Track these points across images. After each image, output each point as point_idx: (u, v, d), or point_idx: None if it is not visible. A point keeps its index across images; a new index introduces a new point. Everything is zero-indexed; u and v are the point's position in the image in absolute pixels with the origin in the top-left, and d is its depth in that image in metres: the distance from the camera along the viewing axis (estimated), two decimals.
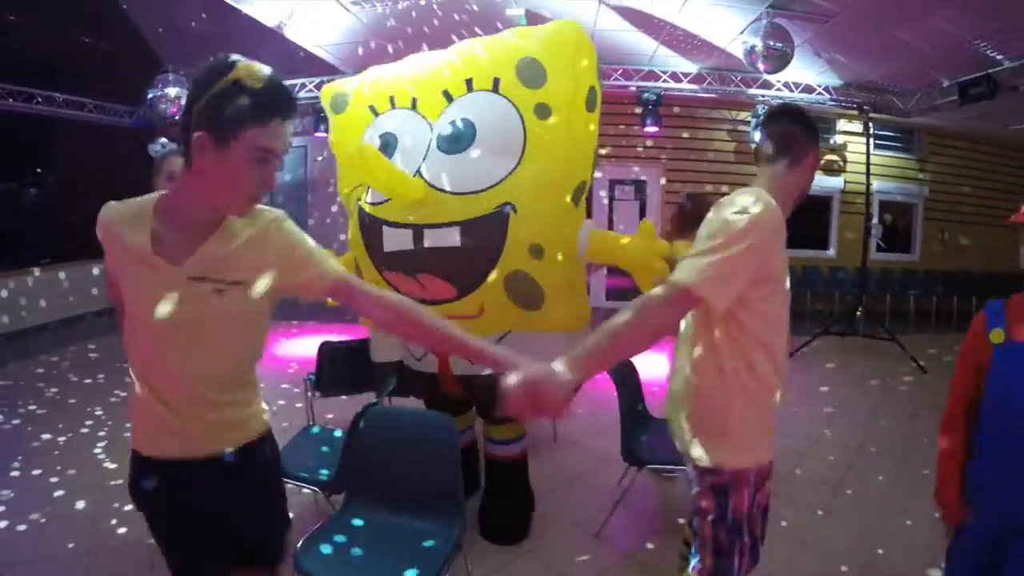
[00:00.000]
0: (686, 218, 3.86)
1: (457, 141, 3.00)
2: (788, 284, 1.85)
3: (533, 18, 6.88)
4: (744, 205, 1.71)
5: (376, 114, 3.37)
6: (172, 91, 9.09)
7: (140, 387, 1.61)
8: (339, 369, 4.32)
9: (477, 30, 7.21)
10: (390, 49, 7.93)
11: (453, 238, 2.89)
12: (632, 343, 1.62)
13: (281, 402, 5.49)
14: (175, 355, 1.55)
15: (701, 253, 1.66)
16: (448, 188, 2.92)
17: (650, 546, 3.41)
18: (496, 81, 3.08)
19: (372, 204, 3.07)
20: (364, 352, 3.95)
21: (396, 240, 2.98)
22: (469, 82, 3.14)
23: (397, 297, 1.79)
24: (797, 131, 1.99)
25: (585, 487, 4.10)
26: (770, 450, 1.96)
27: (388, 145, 3.14)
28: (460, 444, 3.00)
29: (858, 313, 8.26)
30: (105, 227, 1.60)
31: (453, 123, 3.04)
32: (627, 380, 3.78)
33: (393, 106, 3.33)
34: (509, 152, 3.00)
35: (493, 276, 2.96)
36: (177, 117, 9.48)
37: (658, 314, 1.63)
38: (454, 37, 7.20)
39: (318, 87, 9.42)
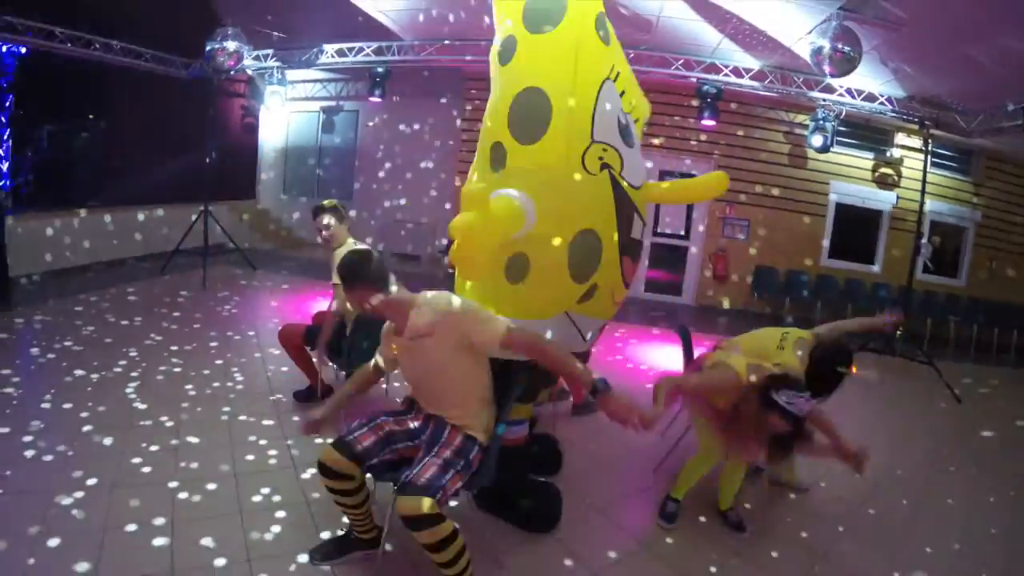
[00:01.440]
0: None
1: (624, 134, 3.33)
2: None
3: None
4: None
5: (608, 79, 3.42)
6: (231, 45, 9.11)
7: None
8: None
9: None
10: (451, 18, 7.89)
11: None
12: None
13: None
14: None
15: None
16: (632, 181, 3.42)
17: (669, 540, 3.38)
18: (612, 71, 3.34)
19: (630, 186, 3.29)
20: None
21: (639, 229, 3.48)
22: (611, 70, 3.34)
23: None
24: None
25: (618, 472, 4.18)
26: None
27: (626, 131, 3.43)
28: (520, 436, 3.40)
29: (898, 333, 8.07)
30: None
31: (620, 114, 3.35)
32: (687, 342, 4.21)
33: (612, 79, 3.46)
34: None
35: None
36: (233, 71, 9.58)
37: None
38: None
39: (376, 52, 9.40)
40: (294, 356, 4.66)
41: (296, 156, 13.08)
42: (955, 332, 10.93)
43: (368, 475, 2.69)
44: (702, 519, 3.61)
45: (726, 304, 10.76)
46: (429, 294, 2.71)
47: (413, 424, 2.80)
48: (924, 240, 8.89)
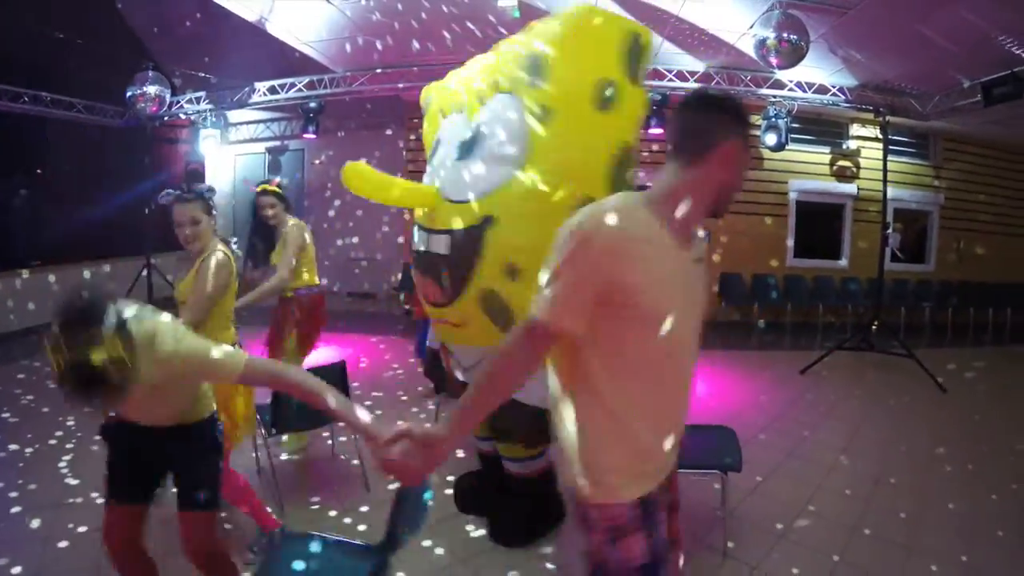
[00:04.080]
0: None
1: (467, 148, 3.00)
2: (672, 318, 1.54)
3: (526, 10, 6.53)
4: (570, 222, 1.55)
5: (443, 117, 3.40)
6: (151, 89, 8.91)
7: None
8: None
9: (468, 24, 6.92)
10: (378, 45, 7.64)
11: (443, 245, 2.97)
12: (496, 392, 1.55)
13: None
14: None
15: (544, 282, 1.52)
16: (450, 196, 2.97)
17: None
18: (515, 81, 2.96)
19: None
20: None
21: (417, 241, 3.24)
22: (496, 83, 3.05)
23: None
24: (700, 120, 1.62)
25: None
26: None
27: (434, 150, 3.30)
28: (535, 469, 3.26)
29: (873, 327, 7.85)
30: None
31: (472, 128, 3.04)
32: None
33: (457, 110, 3.31)
34: (510, 159, 2.85)
35: (470, 291, 2.93)
36: (161, 114, 9.30)
37: (516, 356, 1.51)
38: (445, 33, 6.95)
39: (308, 86, 9.16)
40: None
41: (245, 199, 12.69)
42: (930, 318, 10.87)
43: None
44: None
45: None
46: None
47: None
48: (891, 229, 8.75)
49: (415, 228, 3.28)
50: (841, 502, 4.05)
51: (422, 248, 3.17)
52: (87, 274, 9.20)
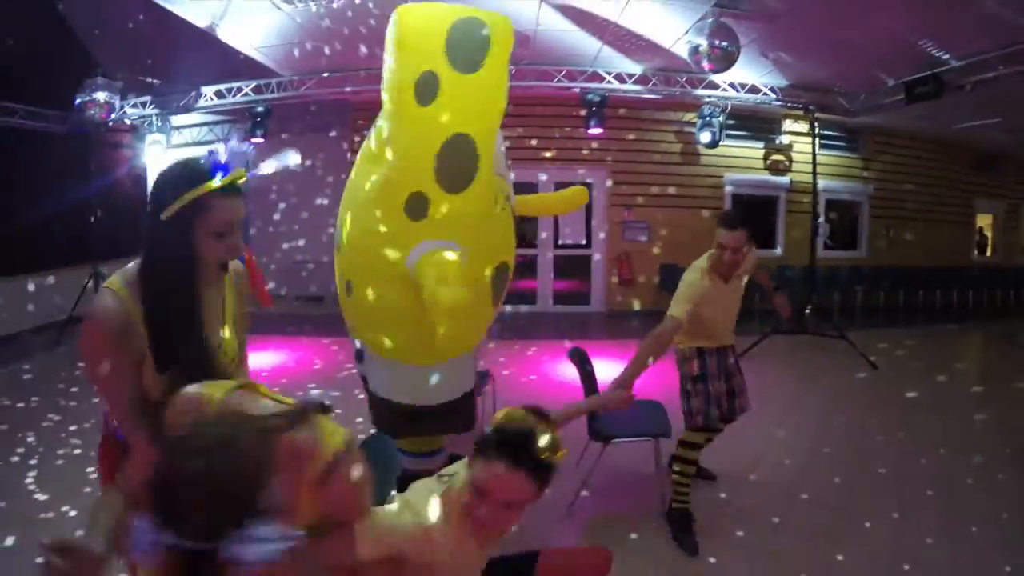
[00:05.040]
0: None
1: None
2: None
3: None
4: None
5: None
6: (101, 95, 8.67)
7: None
8: None
9: None
10: (327, 51, 7.71)
11: None
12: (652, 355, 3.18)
13: None
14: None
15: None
16: None
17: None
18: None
19: None
20: None
21: None
22: None
23: None
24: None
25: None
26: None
27: None
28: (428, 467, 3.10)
29: (807, 311, 8.27)
30: None
31: None
32: (585, 364, 4.00)
33: None
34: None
35: None
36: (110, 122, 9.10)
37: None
38: None
39: (255, 90, 9.14)
40: None
41: None
42: (863, 302, 11.40)
43: None
44: (633, 536, 3.52)
45: (636, 306, 10.83)
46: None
47: None
48: (821, 219, 9.19)
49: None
50: (779, 472, 4.36)
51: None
52: (31, 287, 9.01)
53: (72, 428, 5.20)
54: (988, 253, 14.71)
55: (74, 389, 6.36)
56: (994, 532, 3.54)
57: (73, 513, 3.76)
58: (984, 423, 5.39)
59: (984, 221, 14.61)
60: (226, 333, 1.97)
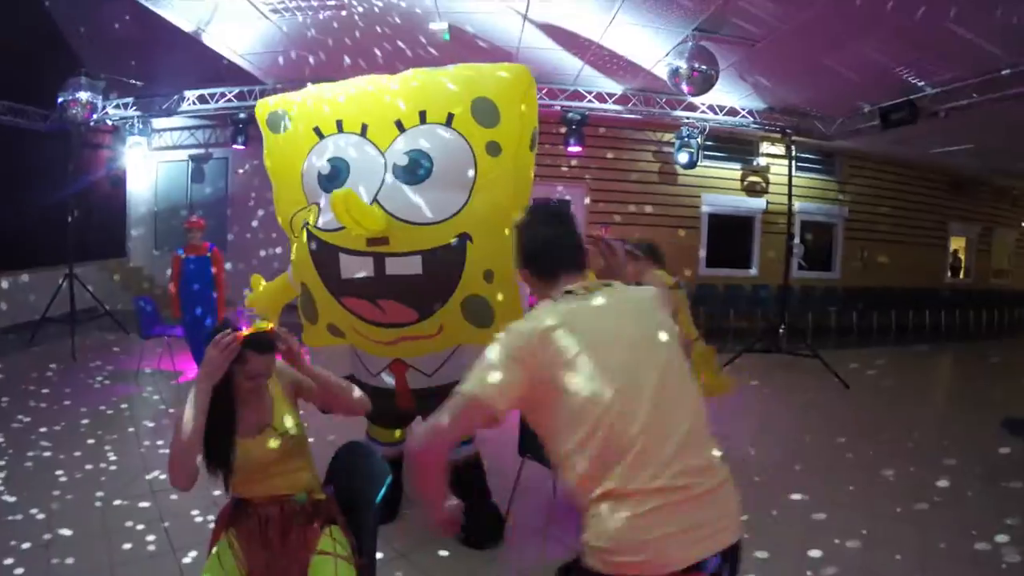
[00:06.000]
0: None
1: (414, 173, 3.10)
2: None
3: (456, 33, 6.81)
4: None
5: (321, 136, 3.34)
6: (84, 95, 8.61)
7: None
8: None
9: (400, 43, 7.15)
10: (311, 60, 7.74)
11: (415, 266, 3.02)
12: None
13: None
14: None
15: None
16: (409, 219, 3.01)
17: None
18: (450, 116, 3.20)
19: (325, 230, 3.08)
20: None
21: (355, 267, 3.05)
22: (423, 114, 3.22)
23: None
24: None
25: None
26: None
27: (339, 171, 3.18)
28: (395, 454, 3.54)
29: (780, 330, 8.38)
30: None
31: (411, 154, 3.13)
32: None
33: (340, 130, 3.31)
34: (461, 185, 3.15)
35: (453, 300, 3.15)
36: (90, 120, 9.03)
37: None
38: (376, 51, 7.16)
39: (238, 97, 9.14)
40: None
41: (167, 208, 12.41)
42: (836, 322, 11.56)
43: None
44: None
45: None
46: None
47: None
48: (796, 240, 9.33)
49: (338, 254, 3.07)
50: (750, 488, 4.38)
51: (370, 274, 3.04)
52: (4, 284, 8.93)
53: (42, 430, 5.15)
54: (961, 275, 14.94)
55: (45, 391, 6.29)
56: (963, 548, 3.58)
57: (41, 516, 3.72)
58: (953, 441, 5.47)
59: (958, 244, 14.85)
60: (288, 423, 2.27)
